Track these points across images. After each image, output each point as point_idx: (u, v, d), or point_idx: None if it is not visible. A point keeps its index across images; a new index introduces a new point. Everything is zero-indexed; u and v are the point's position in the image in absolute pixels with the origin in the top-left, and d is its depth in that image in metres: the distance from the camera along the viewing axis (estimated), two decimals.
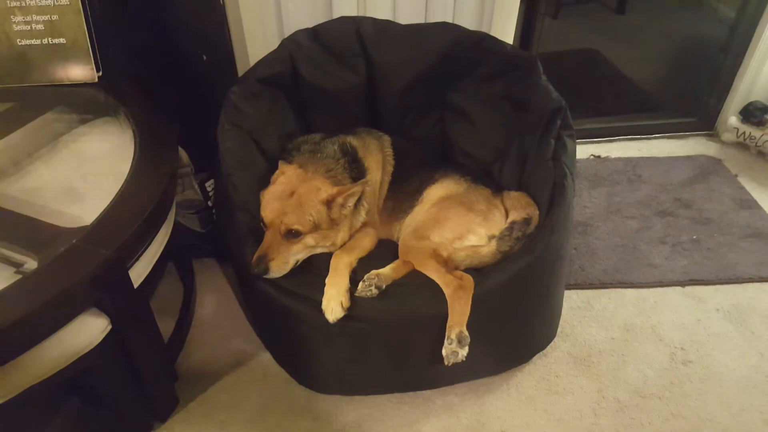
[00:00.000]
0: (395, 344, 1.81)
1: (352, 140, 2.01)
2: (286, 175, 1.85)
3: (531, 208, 1.91)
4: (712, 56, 3.30)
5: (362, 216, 1.94)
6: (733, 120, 3.10)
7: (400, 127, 2.27)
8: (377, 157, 2.05)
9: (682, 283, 2.37)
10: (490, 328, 1.84)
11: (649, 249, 2.51)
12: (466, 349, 1.64)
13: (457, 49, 2.15)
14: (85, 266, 1.46)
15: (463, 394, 1.96)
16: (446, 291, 1.72)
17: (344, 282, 1.74)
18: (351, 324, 1.71)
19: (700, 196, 2.80)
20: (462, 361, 1.64)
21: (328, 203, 1.79)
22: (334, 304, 1.70)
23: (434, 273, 1.77)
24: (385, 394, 1.96)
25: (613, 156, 3.09)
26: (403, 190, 2.05)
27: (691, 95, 3.39)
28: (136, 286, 1.64)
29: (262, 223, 1.79)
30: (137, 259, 1.65)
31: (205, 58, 2.47)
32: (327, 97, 2.19)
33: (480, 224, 1.89)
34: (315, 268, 1.80)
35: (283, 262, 1.72)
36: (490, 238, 1.88)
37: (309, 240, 1.77)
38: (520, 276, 1.78)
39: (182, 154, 2.29)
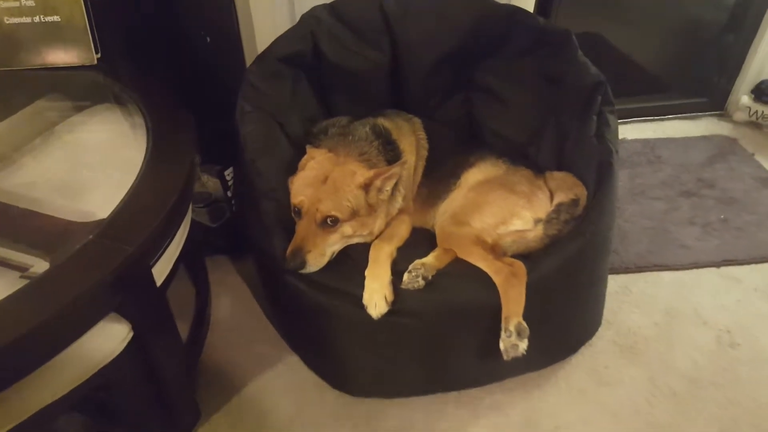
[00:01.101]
0: (441, 339, 1.66)
1: (384, 122, 1.87)
2: (317, 160, 1.69)
3: (578, 188, 1.79)
4: (717, 37, 3.25)
5: (399, 202, 1.79)
6: (745, 99, 3.05)
7: (425, 109, 2.13)
8: (410, 140, 1.91)
9: (717, 264, 2.29)
10: (541, 318, 1.69)
11: (679, 230, 2.42)
12: (526, 341, 1.51)
13: (486, 24, 2.02)
14: (105, 265, 1.27)
15: (510, 390, 1.83)
16: (497, 279, 1.58)
17: (386, 274, 1.60)
18: (394, 319, 1.57)
19: (722, 176, 2.73)
20: (522, 354, 1.51)
21: (366, 187, 1.65)
22: (377, 298, 1.55)
23: (481, 260, 1.64)
24: (427, 395, 1.82)
25: (629, 138, 3.01)
26: (437, 175, 1.91)
27: (698, 76, 3.33)
28: (158, 284, 1.46)
29: (293, 213, 1.63)
30: (159, 257, 1.47)
31: (209, 40, 2.29)
32: (349, 77, 2.03)
33: (524, 207, 1.77)
34: (351, 260, 1.66)
35: (320, 254, 1.57)
36: (537, 221, 1.75)
37: (346, 228, 1.63)
38: (572, 260, 1.67)
39: None
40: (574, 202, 1.76)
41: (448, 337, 1.66)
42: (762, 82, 3.01)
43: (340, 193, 1.61)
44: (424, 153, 1.93)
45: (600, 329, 2.00)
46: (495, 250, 1.68)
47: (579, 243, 1.67)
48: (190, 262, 2.10)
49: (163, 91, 1.84)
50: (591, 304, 1.88)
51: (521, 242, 1.73)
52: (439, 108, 2.18)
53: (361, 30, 2.02)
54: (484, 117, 2.15)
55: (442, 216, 1.85)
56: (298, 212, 1.61)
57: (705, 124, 3.17)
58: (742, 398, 1.82)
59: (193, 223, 2.03)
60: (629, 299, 2.14)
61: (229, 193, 2.16)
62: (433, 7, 2.05)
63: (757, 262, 2.30)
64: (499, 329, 1.55)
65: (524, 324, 1.52)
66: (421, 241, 1.81)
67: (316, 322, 1.71)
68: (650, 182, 2.68)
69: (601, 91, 1.88)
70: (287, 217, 1.67)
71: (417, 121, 1.99)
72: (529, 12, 2.03)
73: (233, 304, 2.11)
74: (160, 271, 1.48)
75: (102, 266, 1.27)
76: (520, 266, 1.61)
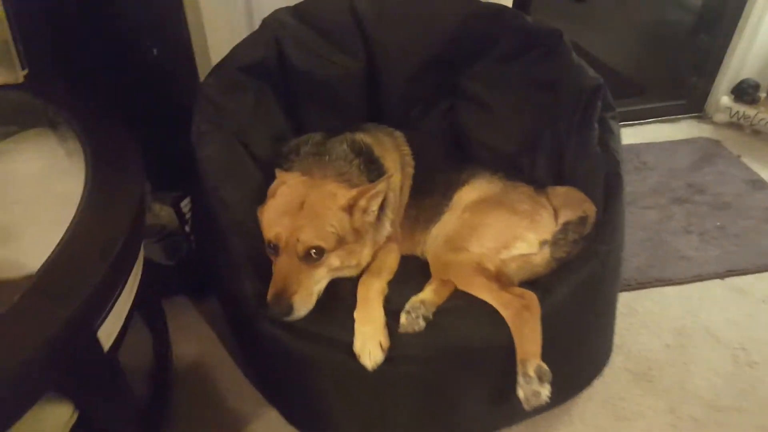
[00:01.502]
0: (444, 387, 1.45)
1: (364, 137, 1.64)
2: (289, 185, 1.46)
3: (586, 204, 1.60)
4: (691, 39, 3.20)
5: (386, 228, 1.58)
6: (726, 100, 2.97)
7: (407, 121, 1.92)
8: (394, 156, 1.69)
9: (721, 275, 2.15)
10: (554, 352, 1.49)
11: (676, 240, 2.29)
12: (548, 387, 1.30)
13: (472, 26, 1.83)
14: (38, 333, 1.01)
15: None
16: (506, 314, 1.38)
17: (380, 315, 1.38)
18: (391, 368, 1.34)
19: (711, 180, 2.62)
20: (546, 402, 1.30)
21: (350, 209, 1.43)
22: (371, 345, 1.33)
23: (485, 292, 1.43)
24: None
25: None
26: (426, 195, 1.70)
27: (675, 78, 3.27)
28: (106, 349, 1.19)
29: (268, 249, 1.39)
30: (106, 316, 1.20)
31: (155, 52, 2.02)
32: (320, 87, 1.80)
33: (527, 228, 1.57)
34: (337, 299, 1.42)
35: (307, 294, 1.34)
36: (542, 243, 1.56)
37: (333, 260, 1.40)
38: (585, 285, 1.49)
39: None
40: (582, 219, 1.58)
41: (452, 384, 1.44)
42: (742, 82, 2.92)
43: (321, 219, 1.38)
44: (410, 170, 1.71)
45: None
46: (500, 278, 1.47)
47: (592, 265, 1.49)
48: (145, 307, 1.82)
49: (103, 111, 1.56)
50: (603, 331, 1.70)
51: (527, 268, 1.53)
52: (422, 119, 1.97)
53: (330, 34, 1.80)
54: (471, 127, 1.95)
55: (434, 241, 1.63)
56: (275, 248, 1.37)
57: (685, 126, 3.07)
58: (767, 422, 1.67)
59: (146, 262, 1.77)
60: (636, 320, 1.98)
61: (187, 228, 1.89)
62: (411, 8, 1.85)
63: (761, 271, 2.17)
64: (513, 371, 1.34)
65: (545, 366, 1.31)
66: (412, 271, 1.59)
67: (298, 373, 1.47)
68: (640, 190, 2.54)
69: (601, 96, 1.71)
70: (258, 253, 1.43)
71: (399, 134, 1.77)
72: (518, 11, 1.85)
73: (198, 353, 1.84)
74: (108, 332, 1.21)
75: (33, 335, 1.01)
76: (532, 297, 1.40)
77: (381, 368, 1.32)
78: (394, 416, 1.49)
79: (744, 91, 2.90)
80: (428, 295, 1.44)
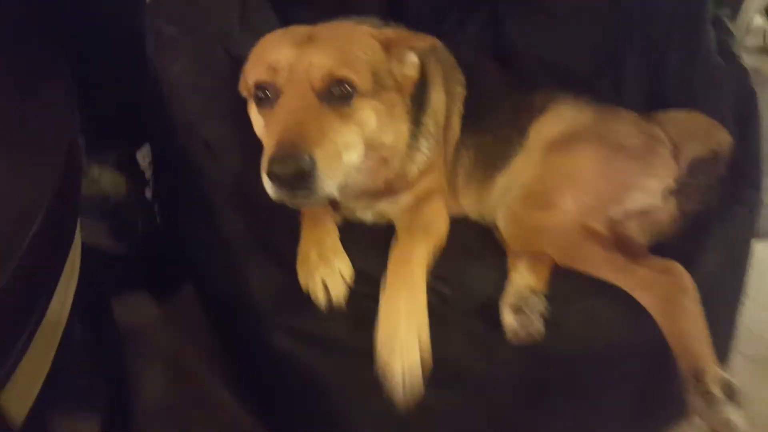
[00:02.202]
0: (530, 415, 1.00)
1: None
2: (291, 28, 0.96)
3: (718, 133, 1.15)
4: None
5: (423, 152, 1.09)
6: (759, 20, 2.59)
7: (436, 36, 1.39)
8: (436, 68, 1.16)
9: None
10: None
11: None
12: (740, 409, 0.86)
13: None
14: None
15: None
16: (648, 299, 0.94)
17: (422, 298, 0.92)
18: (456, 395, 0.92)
19: None
20: None
21: (387, 48, 0.95)
22: (407, 355, 0.86)
23: (606, 268, 0.99)
24: None
25: None
26: (488, 130, 1.20)
27: None
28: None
29: (255, 97, 0.88)
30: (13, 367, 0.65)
31: None
32: None
33: (643, 172, 1.11)
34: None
35: (335, 151, 0.82)
36: (665, 192, 1.10)
37: (368, 115, 0.90)
38: (735, 248, 1.08)
39: None
40: (714, 155, 1.13)
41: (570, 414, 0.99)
42: None
43: (348, 41, 0.91)
44: (461, 90, 1.19)
45: None
46: (625, 245, 1.01)
47: (741, 220, 1.06)
48: (88, 313, 1.25)
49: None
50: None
51: (649, 229, 1.09)
52: (456, 32, 1.44)
53: None
54: (525, 41, 1.42)
55: (506, 196, 1.15)
56: (269, 88, 0.86)
57: None
58: None
59: (85, 252, 1.19)
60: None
61: (147, 193, 1.31)
62: None
63: None
64: (660, 385, 0.90)
65: (728, 378, 0.87)
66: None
67: (320, 399, 0.98)
68: None
69: None
70: (268, 226, 0.90)
71: (438, 42, 1.22)
72: None
73: (166, 370, 1.29)
74: (21, 398, 0.67)
75: None
76: (682, 271, 0.96)
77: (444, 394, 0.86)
78: None
79: None
80: (530, 279, 0.97)
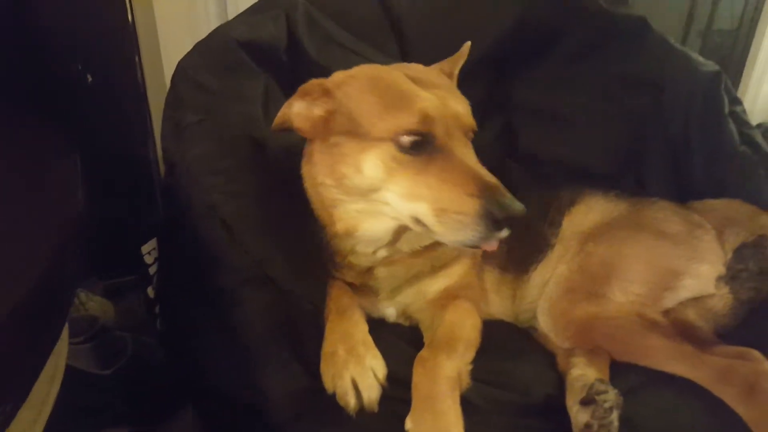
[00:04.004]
0: None
1: None
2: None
3: (760, 217, 1.10)
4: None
5: None
6: None
7: None
8: None
9: None
10: None
11: None
12: None
13: (528, 17, 1.39)
14: None
15: None
16: (728, 392, 0.84)
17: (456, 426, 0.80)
18: None
19: None
20: None
21: None
22: None
23: (675, 360, 0.90)
24: None
25: None
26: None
27: None
28: None
29: (400, 146, 0.85)
30: None
31: (90, 79, 1.43)
32: None
33: (690, 257, 1.04)
34: None
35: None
36: (717, 278, 1.02)
37: None
38: None
39: None
40: (762, 240, 1.06)
41: None
42: (758, 126, 2.65)
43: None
44: None
45: None
46: (691, 333, 0.91)
47: None
48: None
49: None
50: None
51: (708, 316, 0.99)
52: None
53: (355, 25, 1.31)
54: (542, 146, 1.44)
55: (544, 292, 1.06)
56: (426, 136, 0.85)
57: None
58: None
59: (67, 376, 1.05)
60: None
61: (150, 290, 1.21)
62: None
63: None
64: None
65: None
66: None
67: None
68: None
69: (722, 84, 1.28)
70: (294, 316, 0.80)
71: None
72: None
73: None
74: None
75: None
76: (758, 355, 0.85)
77: None
78: None
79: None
80: (595, 372, 0.85)
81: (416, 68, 1.00)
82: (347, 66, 1.26)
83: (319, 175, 0.92)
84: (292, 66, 1.19)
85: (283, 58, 1.15)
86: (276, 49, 1.13)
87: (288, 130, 0.93)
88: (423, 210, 0.83)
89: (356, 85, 0.91)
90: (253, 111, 0.99)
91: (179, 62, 0.99)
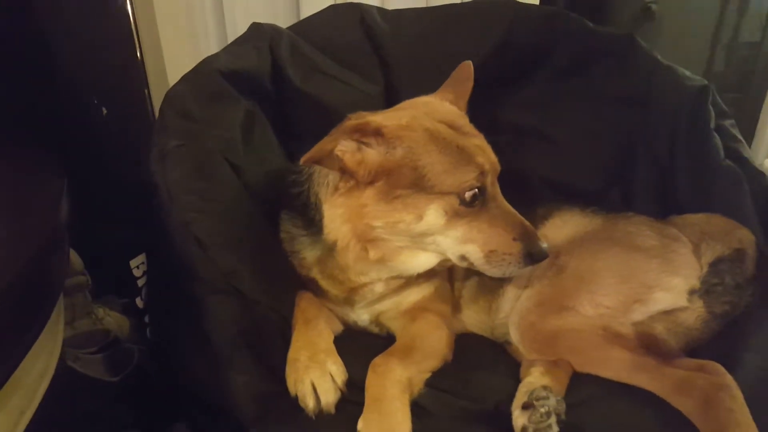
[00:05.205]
0: None
1: None
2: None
3: (737, 231, 1.09)
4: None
5: None
6: None
7: None
8: None
9: None
10: None
11: None
12: None
13: (517, 37, 1.43)
14: None
15: None
16: (687, 404, 0.84)
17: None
18: None
19: None
20: None
21: None
22: None
23: (636, 372, 0.91)
24: None
25: None
26: None
27: None
28: None
29: (462, 199, 0.93)
30: None
31: (105, 111, 1.54)
32: (325, 115, 1.27)
33: (665, 270, 1.03)
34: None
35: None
36: (691, 292, 1.01)
37: None
38: None
39: (73, 256, 1.27)
40: (739, 254, 1.05)
41: None
42: None
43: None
44: None
45: None
46: (655, 347, 0.91)
47: None
48: None
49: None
50: None
51: (679, 330, 0.99)
52: None
53: (339, 53, 1.37)
54: (529, 165, 1.46)
55: (517, 306, 1.08)
56: (481, 189, 0.94)
57: None
58: None
59: (78, 379, 1.14)
60: None
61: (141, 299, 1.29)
62: (434, 22, 1.44)
63: None
64: None
65: None
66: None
67: None
68: None
69: (709, 98, 1.28)
70: (257, 323, 0.86)
71: None
72: (573, 14, 1.45)
73: None
74: None
75: None
76: (719, 370, 0.84)
77: None
78: None
79: None
80: (546, 381, 0.86)
81: (445, 111, 1.04)
82: (332, 93, 1.33)
83: (368, 216, 0.94)
84: (277, 94, 1.26)
85: (267, 87, 1.23)
86: (259, 77, 1.20)
87: (319, 163, 0.93)
88: (473, 250, 0.94)
89: (417, 138, 0.94)
90: (231, 136, 1.06)
91: (167, 92, 1.07)
